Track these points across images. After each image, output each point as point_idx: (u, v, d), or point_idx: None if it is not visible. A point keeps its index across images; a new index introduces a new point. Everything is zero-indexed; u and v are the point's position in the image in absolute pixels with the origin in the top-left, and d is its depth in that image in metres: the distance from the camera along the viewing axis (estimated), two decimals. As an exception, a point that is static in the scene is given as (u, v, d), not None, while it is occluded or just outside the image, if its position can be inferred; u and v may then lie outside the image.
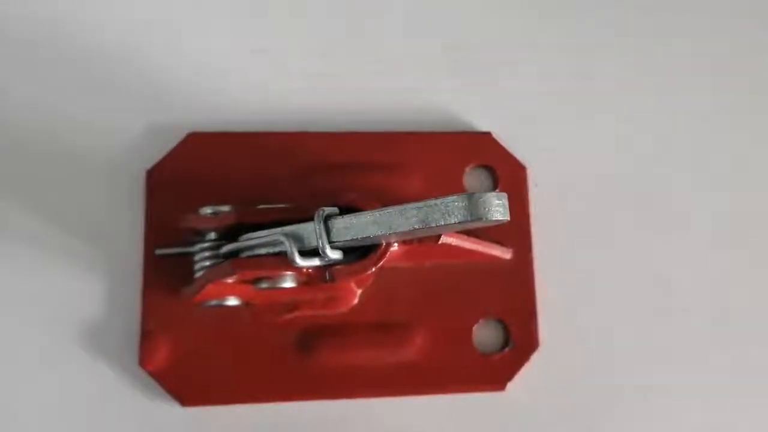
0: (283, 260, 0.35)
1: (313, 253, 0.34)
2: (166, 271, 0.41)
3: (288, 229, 0.34)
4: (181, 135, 0.43)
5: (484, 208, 0.30)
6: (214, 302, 0.39)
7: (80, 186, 0.43)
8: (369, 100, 0.45)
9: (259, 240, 0.35)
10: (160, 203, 0.42)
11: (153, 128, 0.44)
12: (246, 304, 0.41)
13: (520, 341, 0.44)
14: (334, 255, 0.34)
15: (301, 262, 0.34)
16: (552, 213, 0.46)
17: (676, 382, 0.44)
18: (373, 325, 0.43)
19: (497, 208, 0.30)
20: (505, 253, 0.44)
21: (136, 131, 0.44)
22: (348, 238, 0.33)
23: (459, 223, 0.30)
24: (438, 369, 0.43)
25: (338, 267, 0.35)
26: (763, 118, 0.49)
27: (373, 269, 0.35)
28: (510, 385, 0.43)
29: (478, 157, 0.46)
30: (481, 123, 0.46)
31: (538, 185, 0.46)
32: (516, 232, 0.45)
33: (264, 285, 0.36)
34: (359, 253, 0.35)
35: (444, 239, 0.38)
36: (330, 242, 0.33)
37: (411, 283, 0.43)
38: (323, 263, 0.35)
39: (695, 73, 0.49)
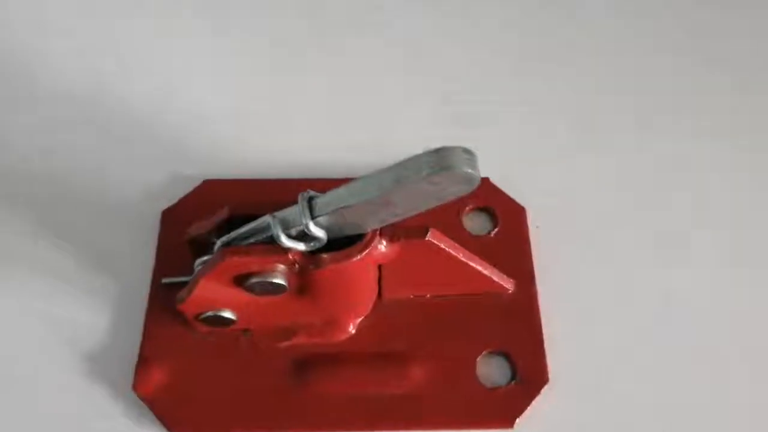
0: (271, 247, 0.36)
1: (301, 238, 0.35)
2: (170, 300, 0.42)
3: (276, 213, 0.35)
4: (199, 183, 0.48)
5: (452, 159, 0.31)
6: (209, 313, 0.39)
7: (105, 226, 0.47)
8: (368, 150, 0.48)
9: (249, 228, 0.36)
10: (171, 239, 0.45)
11: (176, 177, 0.48)
12: (244, 331, 0.42)
13: (527, 375, 0.41)
14: (318, 232, 0.34)
15: (287, 242, 0.35)
16: (553, 252, 0.46)
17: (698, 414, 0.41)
18: (371, 355, 0.42)
19: (466, 160, 0.31)
20: (505, 282, 0.43)
21: (161, 179, 0.48)
22: (329, 210, 0.34)
23: (429, 175, 0.31)
24: (440, 402, 0.41)
25: (324, 254, 0.36)
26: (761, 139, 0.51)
27: (359, 257, 0.36)
28: (519, 422, 0.40)
29: (476, 200, 0.47)
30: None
31: (539, 226, 0.47)
32: (518, 267, 0.44)
33: (255, 280, 0.36)
34: (346, 245, 0.36)
35: (432, 237, 0.38)
36: (313, 218, 0.34)
37: (410, 314, 0.43)
38: (309, 248, 0.35)
39: (685, 98, 0.52)
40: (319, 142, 0.49)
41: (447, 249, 0.39)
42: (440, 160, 0.31)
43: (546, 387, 0.41)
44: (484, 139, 0.49)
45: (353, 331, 0.42)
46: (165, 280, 0.43)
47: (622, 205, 0.48)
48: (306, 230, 0.35)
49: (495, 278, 0.43)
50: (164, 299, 0.42)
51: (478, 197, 0.47)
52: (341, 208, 0.33)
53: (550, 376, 0.41)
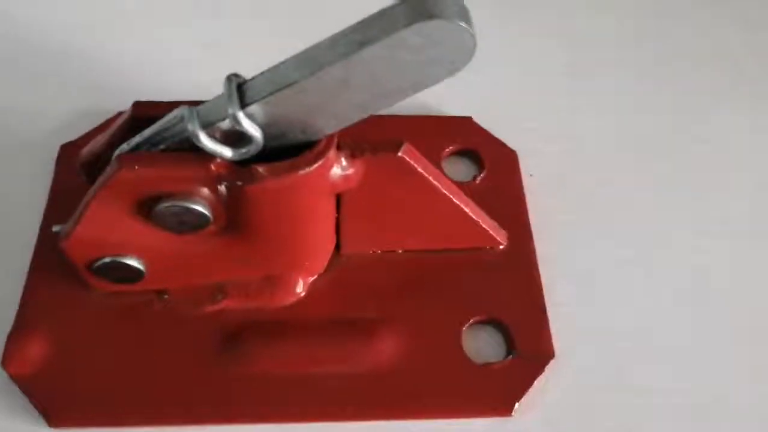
0: (187, 155, 0.26)
1: (227, 140, 0.26)
2: (61, 254, 0.32)
3: (195, 106, 0.26)
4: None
5: (439, 6, 0.22)
6: (107, 259, 0.29)
7: None
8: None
9: (156, 128, 0.26)
10: (70, 180, 0.34)
11: (87, 112, 0.39)
12: (158, 293, 0.32)
13: (527, 348, 0.32)
14: (250, 128, 0.25)
15: (208, 143, 0.25)
16: (551, 204, 0.37)
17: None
18: (328, 323, 0.32)
19: (456, 10, 0.22)
20: (498, 234, 0.34)
21: (67, 114, 0.39)
22: (266, 93, 0.24)
23: (407, 28, 0.22)
24: (416, 383, 0.31)
25: (264, 165, 0.26)
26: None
27: (307, 170, 0.26)
28: (518, 407, 0.31)
29: (457, 141, 0.38)
30: (460, 111, 0.40)
31: (533, 175, 0.38)
32: (510, 219, 0.36)
33: (165, 205, 0.27)
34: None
35: (407, 154, 0.29)
36: (243, 106, 0.25)
37: (377, 273, 0.33)
38: (239, 155, 0.26)
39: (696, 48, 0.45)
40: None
41: (426, 175, 0.30)
42: (422, 7, 0.22)
43: (551, 363, 0.32)
44: (467, 74, 0.41)
45: (302, 293, 0.32)
46: (56, 228, 0.32)
47: (625, 154, 0.40)
48: (234, 125, 0.25)
49: (486, 227, 0.34)
50: (54, 252, 0.32)
51: (460, 138, 0.38)
52: (282, 89, 0.24)
53: (556, 349, 0.32)
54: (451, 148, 0.38)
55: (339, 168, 0.28)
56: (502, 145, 0.39)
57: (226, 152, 0.26)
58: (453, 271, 0.34)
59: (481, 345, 0.33)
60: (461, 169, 0.38)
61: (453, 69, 0.24)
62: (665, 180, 0.39)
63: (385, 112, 0.33)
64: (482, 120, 0.40)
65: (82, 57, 0.42)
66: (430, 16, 0.22)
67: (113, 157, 0.27)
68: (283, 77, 0.24)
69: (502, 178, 0.37)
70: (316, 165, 0.26)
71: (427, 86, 0.25)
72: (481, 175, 0.37)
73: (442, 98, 0.40)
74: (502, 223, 0.35)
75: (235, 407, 0.30)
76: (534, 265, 0.35)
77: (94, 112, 0.39)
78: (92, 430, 0.29)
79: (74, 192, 0.31)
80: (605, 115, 0.42)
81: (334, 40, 0.24)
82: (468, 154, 0.38)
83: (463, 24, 0.22)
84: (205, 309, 0.32)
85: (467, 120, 0.39)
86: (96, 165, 0.29)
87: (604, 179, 0.39)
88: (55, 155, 0.37)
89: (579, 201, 0.38)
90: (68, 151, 0.36)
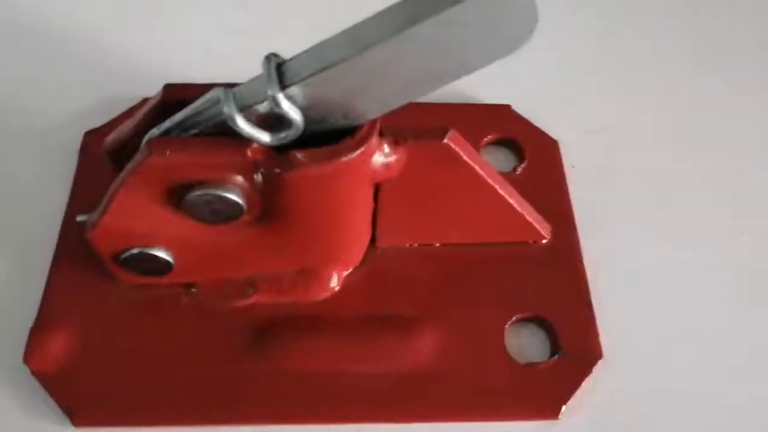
0: (221, 140, 0.25)
1: (265, 123, 0.24)
2: (86, 245, 0.30)
3: (230, 88, 0.24)
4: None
5: None
6: (134, 251, 0.28)
7: (16, 155, 0.36)
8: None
9: (189, 111, 0.25)
10: (95, 168, 0.33)
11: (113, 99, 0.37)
12: (187, 286, 0.30)
13: (574, 347, 0.30)
14: (291, 111, 0.23)
15: (245, 127, 0.24)
16: (594, 197, 0.35)
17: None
18: (363, 319, 0.30)
19: None
20: (542, 227, 0.32)
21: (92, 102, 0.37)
22: (308, 73, 0.23)
23: (459, 2, 0.20)
24: (457, 385, 0.29)
25: (304, 151, 0.25)
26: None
27: (349, 157, 0.25)
28: (565, 410, 0.29)
29: (496, 130, 0.36)
30: (498, 99, 0.38)
31: (575, 166, 0.36)
32: (553, 211, 0.34)
33: (197, 194, 0.25)
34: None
35: (452, 141, 0.27)
36: (283, 87, 0.23)
37: (415, 267, 0.32)
38: (277, 140, 0.24)
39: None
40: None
41: (472, 163, 0.28)
42: None
43: (600, 363, 0.30)
44: (504, 59, 0.39)
45: (337, 288, 0.31)
46: (80, 218, 0.31)
47: (674, 145, 0.38)
48: (273, 108, 0.23)
49: (531, 220, 0.32)
50: (77, 243, 0.31)
51: (498, 127, 0.37)
52: (325, 70, 0.23)
53: (604, 348, 0.30)
54: (489, 137, 0.36)
55: (381, 155, 0.26)
56: (543, 134, 0.37)
57: (264, 137, 0.24)
58: (494, 265, 0.32)
59: (525, 343, 0.31)
60: (500, 160, 0.36)
61: (512, 46, 0.22)
62: (718, 173, 0.37)
63: (418, 99, 0.32)
64: (521, 108, 0.38)
65: (107, 41, 0.41)
66: None
67: (143, 142, 0.25)
68: (326, 57, 0.23)
69: (543, 169, 0.36)
70: (358, 151, 0.25)
71: (481, 66, 0.23)
72: (522, 165, 0.35)
73: (479, 85, 0.38)
74: (545, 217, 0.33)
75: (266, 406, 0.28)
76: (579, 259, 0.33)
77: (120, 98, 0.37)
78: (118, 430, 0.28)
79: (99, 181, 0.30)
80: (652, 103, 0.39)
81: (382, 17, 0.22)
82: (507, 143, 0.37)
83: None
84: (234, 303, 0.30)
85: (506, 108, 0.37)
86: (123, 152, 0.28)
87: (651, 171, 0.37)
88: (78, 143, 0.36)
89: (624, 194, 0.36)
90: (93, 139, 0.35)
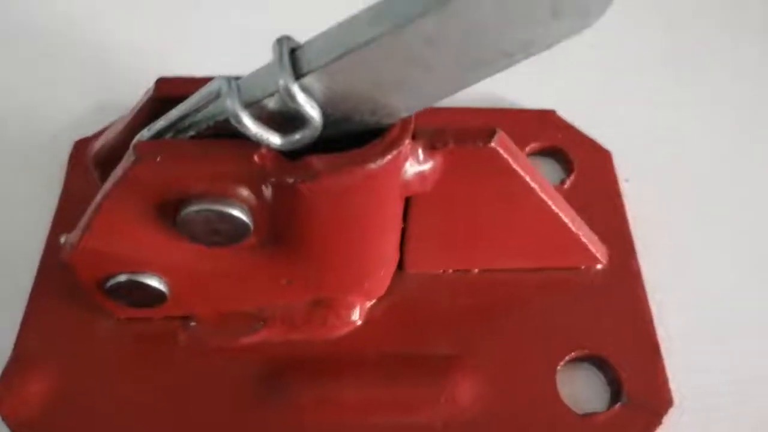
0: (223, 143, 0.20)
1: (275, 121, 0.20)
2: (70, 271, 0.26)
3: (234, 79, 0.20)
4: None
5: None
6: (122, 278, 0.23)
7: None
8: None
9: (186, 107, 0.21)
10: (82, 180, 0.29)
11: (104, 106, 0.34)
12: (184, 319, 0.26)
13: (639, 394, 0.26)
14: (307, 106, 0.19)
15: (251, 126, 0.19)
16: (653, 214, 0.31)
17: None
18: (390, 359, 0.26)
19: None
20: (598, 250, 0.28)
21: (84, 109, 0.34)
22: (329, 58, 0.19)
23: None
24: (503, 437, 0.25)
25: (322, 157, 0.20)
26: None
27: (378, 164, 0.20)
28: (633, 470, 0.24)
29: (539, 138, 0.32)
30: (541, 104, 0.34)
31: (629, 180, 0.32)
32: (608, 231, 0.29)
33: (193, 209, 0.21)
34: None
35: (500, 146, 0.23)
36: (298, 77, 0.19)
37: (452, 298, 0.27)
38: (290, 143, 0.20)
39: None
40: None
41: (522, 173, 0.24)
42: None
43: (670, 412, 0.25)
44: (547, 60, 0.35)
45: (359, 322, 0.26)
46: (63, 238, 0.26)
47: (738, 156, 0.34)
48: (287, 102, 0.19)
49: (586, 242, 0.27)
50: (61, 269, 0.26)
51: (542, 135, 0.32)
52: (350, 52, 0.18)
53: (674, 394, 0.26)
54: (532, 145, 0.32)
55: (415, 162, 0.22)
56: (593, 143, 0.32)
57: (274, 139, 0.20)
58: (543, 295, 0.28)
59: (581, 388, 0.26)
60: (545, 171, 0.32)
61: (582, 24, 0.18)
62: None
63: (454, 104, 0.27)
64: (567, 114, 0.33)
65: (99, 47, 0.37)
66: None
67: (131, 147, 0.21)
68: (352, 36, 0.18)
69: (594, 182, 0.31)
70: (388, 157, 0.20)
71: (543, 48, 0.18)
72: (570, 178, 0.31)
73: (520, 89, 0.34)
74: (599, 235, 0.29)
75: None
76: (641, 288, 0.28)
77: (114, 105, 0.33)
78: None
79: (90, 196, 0.25)
80: (713, 111, 0.35)
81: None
82: (552, 153, 0.32)
83: None
84: (239, 341, 0.26)
85: (550, 114, 0.33)
86: (112, 160, 0.23)
87: (715, 186, 0.33)
88: (68, 153, 0.32)
89: (686, 212, 0.32)
90: (83, 148, 0.31)
